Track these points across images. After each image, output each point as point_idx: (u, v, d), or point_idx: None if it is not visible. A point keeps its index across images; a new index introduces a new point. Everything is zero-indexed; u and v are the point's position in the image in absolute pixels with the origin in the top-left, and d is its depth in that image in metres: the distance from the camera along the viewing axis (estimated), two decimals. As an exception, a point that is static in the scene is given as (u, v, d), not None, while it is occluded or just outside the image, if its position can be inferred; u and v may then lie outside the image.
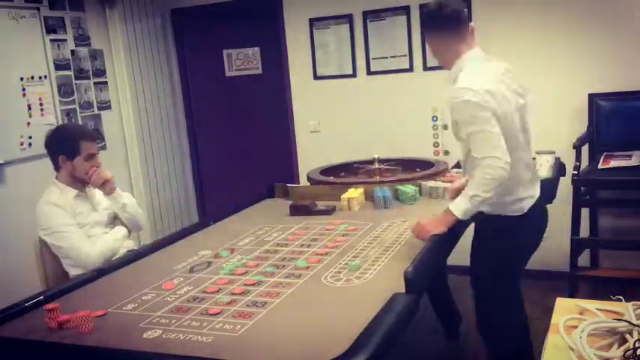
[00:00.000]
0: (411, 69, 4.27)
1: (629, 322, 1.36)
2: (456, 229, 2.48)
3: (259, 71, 4.94)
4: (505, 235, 2.33)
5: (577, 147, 3.57)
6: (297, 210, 2.87)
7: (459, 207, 2.21)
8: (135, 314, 1.82)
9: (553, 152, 3.12)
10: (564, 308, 1.52)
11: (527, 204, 2.33)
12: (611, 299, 1.54)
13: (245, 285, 1.98)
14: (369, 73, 4.40)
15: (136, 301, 1.92)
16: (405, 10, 4.21)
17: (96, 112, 4.38)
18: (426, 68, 4.23)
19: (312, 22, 4.48)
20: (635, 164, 3.42)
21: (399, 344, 1.60)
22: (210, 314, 1.75)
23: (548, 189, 2.99)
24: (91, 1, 4.35)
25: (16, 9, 3.75)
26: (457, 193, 2.38)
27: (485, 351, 2.63)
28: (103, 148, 4.33)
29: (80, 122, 4.16)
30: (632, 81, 3.70)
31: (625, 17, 3.68)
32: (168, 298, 1.91)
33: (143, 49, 4.67)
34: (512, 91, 2.29)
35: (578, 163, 3.53)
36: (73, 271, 2.64)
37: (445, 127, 4.23)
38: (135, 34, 4.59)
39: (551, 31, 3.87)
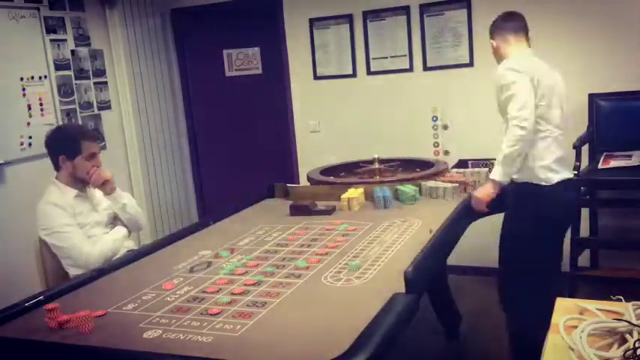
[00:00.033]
0: (411, 69, 4.27)
1: (629, 322, 1.36)
2: (457, 228, 2.49)
3: (259, 71, 4.94)
4: (531, 203, 2.49)
5: (577, 147, 3.57)
6: (297, 210, 2.86)
7: (495, 171, 2.54)
8: (135, 314, 1.82)
9: (553, 152, 3.13)
10: (564, 308, 1.52)
11: (556, 177, 2.54)
12: (611, 299, 1.54)
13: (245, 285, 1.98)
14: (369, 73, 4.41)
15: (136, 301, 1.92)
16: (405, 10, 4.21)
17: (96, 112, 4.38)
18: (426, 68, 4.23)
19: (312, 22, 4.48)
20: (635, 164, 3.43)
21: (399, 344, 1.60)
22: (210, 314, 1.75)
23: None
24: (91, 1, 4.35)
25: (16, 9, 3.75)
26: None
27: (508, 328, 2.72)
28: (103, 148, 4.33)
29: (80, 122, 4.17)
30: (632, 81, 3.70)
31: (625, 17, 3.69)
32: (168, 298, 1.91)
33: (143, 49, 4.67)
34: (549, 72, 2.66)
35: (578, 163, 3.53)
36: (73, 271, 2.64)
37: (445, 127, 4.23)
38: (135, 34, 4.59)
39: (551, 32, 3.86)
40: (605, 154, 3.64)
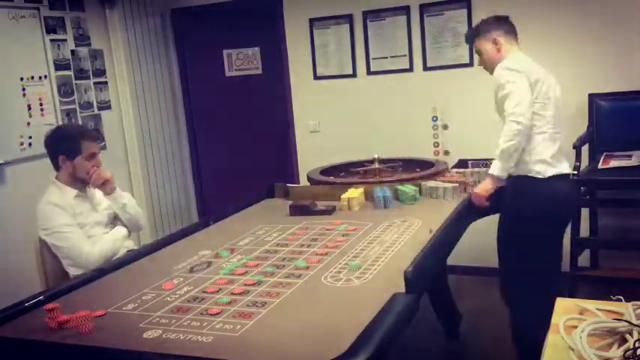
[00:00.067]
0: (411, 69, 4.27)
1: (629, 322, 1.36)
2: (457, 228, 2.49)
3: (259, 71, 4.94)
4: (527, 196, 2.53)
5: (577, 147, 3.57)
6: (297, 210, 2.86)
7: (493, 166, 2.58)
8: (135, 314, 1.82)
9: (553, 152, 3.13)
10: (564, 308, 1.52)
11: (552, 170, 2.58)
12: (611, 299, 1.54)
13: (245, 285, 1.98)
14: (369, 73, 4.41)
15: (136, 301, 1.92)
16: (405, 10, 4.21)
17: (96, 112, 4.38)
18: (426, 68, 4.23)
19: (312, 22, 4.48)
20: (635, 164, 3.43)
21: (399, 344, 1.60)
22: (210, 314, 1.75)
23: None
24: (91, 1, 4.35)
25: (16, 9, 3.76)
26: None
27: (511, 324, 2.78)
28: (103, 148, 4.33)
29: (80, 122, 4.17)
30: (632, 81, 3.70)
31: (625, 17, 3.69)
32: (168, 298, 1.91)
33: (143, 49, 4.67)
34: (545, 75, 2.69)
35: (578, 163, 3.53)
36: (73, 271, 2.64)
37: (445, 127, 4.23)
38: (135, 34, 4.59)
39: (551, 31, 3.87)
40: (605, 154, 3.64)
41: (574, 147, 3.57)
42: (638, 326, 1.34)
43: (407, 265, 1.85)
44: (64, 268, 2.69)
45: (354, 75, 4.44)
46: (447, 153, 4.22)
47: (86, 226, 2.73)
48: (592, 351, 1.28)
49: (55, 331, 1.72)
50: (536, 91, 2.59)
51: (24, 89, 3.79)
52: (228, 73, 5.03)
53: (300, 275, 2.04)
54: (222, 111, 5.11)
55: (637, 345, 1.25)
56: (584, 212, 3.72)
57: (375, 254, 2.19)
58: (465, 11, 4.04)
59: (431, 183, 2.98)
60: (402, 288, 1.76)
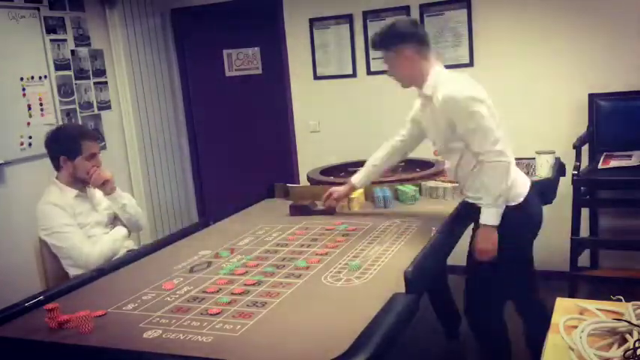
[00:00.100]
0: (411, 69, 4.26)
1: (629, 322, 1.36)
2: (457, 228, 2.49)
3: (259, 71, 4.94)
4: (503, 225, 2.33)
5: (577, 147, 3.57)
6: (297, 210, 2.87)
7: (487, 216, 2.30)
8: (135, 314, 1.82)
9: (553, 152, 3.13)
10: (564, 308, 1.52)
11: (520, 193, 2.39)
12: (611, 299, 1.54)
13: (245, 285, 1.98)
14: (369, 73, 4.40)
15: (136, 301, 1.92)
16: (405, 10, 4.21)
17: (96, 112, 4.38)
18: (426, 68, 4.22)
19: (312, 22, 4.48)
20: (635, 164, 3.43)
21: (399, 344, 1.60)
22: (210, 314, 1.75)
23: (549, 189, 3.00)
24: (91, 1, 4.35)
25: (16, 9, 3.75)
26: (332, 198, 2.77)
27: (525, 332, 2.75)
28: (103, 148, 4.33)
29: (80, 122, 4.17)
30: (632, 81, 3.70)
31: (625, 17, 3.68)
32: (168, 298, 1.91)
33: (143, 49, 4.67)
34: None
35: (578, 163, 3.53)
36: (73, 271, 2.64)
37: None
38: (135, 34, 4.59)
39: (551, 31, 3.87)
40: (605, 154, 3.64)
41: (574, 147, 3.57)
42: (638, 326, 1.34)
43: (407, 265, 1.86)
44: (64, 268, 2.69)
45: (354, 75, 4.44)
46: (447, 153, 4.21)
47: (86, 226, 2.73)
48: (592, 351, 1.28)
49: (55, 331, 1.72)
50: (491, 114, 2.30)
51: (24, 89, 3.79)
52: (228, 73, 5.03)
53: (300, 275, 2.04)
54: (222, 111, 5.11)
55: (637, 345, 1.25)
56: (584, 212, 3.72)
57: (375, 254, 2.20)
58: (465, 11, 4.04)
59: (431, 183, 2.98)
60: (402, 288, 1.76)
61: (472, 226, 2.49)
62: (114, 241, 2.76)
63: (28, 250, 2.78)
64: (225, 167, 5.17)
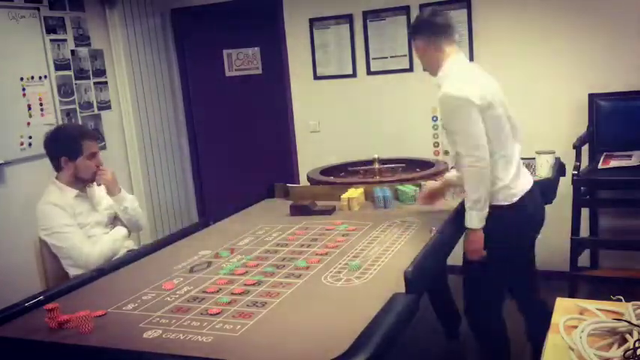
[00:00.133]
0: (411, 69, 4.27)
1: (629, 322, 1.36)
2: (457, 228, 2.49)
3: (259, 71, 4.94)
4: (496, 225, 2.37)
5: (577, 147, 3.57)
6: (297, 210, 2.87)
7: (470, 219, 2.36)
8: (135, 314, 1.82)
9: (553, 152, 3.13)
10: (564, 308, 1.52)
11: (516, 194, 2.40)
12: (611, 299, 1.54)
13: (245, 285, 1.98)
14: (369, 73, 4.40)
15: (136, 301, 1.92)
16: (405, 10, 4.21)
17: (96, 112, 4.38)
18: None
19: (312, 22, 4.48)
20: (635, 164, 3.43)
21: (399, 344, 1.60)
22: (210, 314, 1.75)
23: (549, 189, 2.99)
24: (91, 1, 4.35)
25: (16, 9, 3.75)
26: (430, 197, 2.72)
27: (527, 331, 2.76)
28: (103, 148, 4.33)
29: (80, 122, 4.17)
30: (632, 81, 3.70)
31: (625, 17, 3.68)
32: (168, 298, 1.91)
33: (143, 49, 4.67)
34: (491, 84, 2.42)
35: (578, 163, 3.53)
36: (73, 271, 2.64)
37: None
38: (135, 34, 4.59)
39: (551, 31, 3.87)
40: (605, 154, 3.64)
41: (574, 147, 3.57)
42: (638, 326, 1.34)
43: (407, 265, 1.86)
44: (64, 268, 2.69)
45: (354, 75, 4.44)
46: (447, 153, 4.21)
47: (86, 226, 2.73)
48: (592, 351, 1.28)
49: (55, 331, 1.72)
50: (490, 112, 2.32)
51: (24, 89, 3.79)
52: (228, 73, 5.03)
53: (300, 275, 2.04)
54: (222, 111, 5.11)
55: (637, 345, 1.25)
56: (584, 212, 3.72)
57: (375, 254, 2.20)
58: (465, 11, 4.04)
59: (431, 183, 2.97)
60: (402, 288, 1.76)
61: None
62: (114, 241, 2.76)
63: (28, 250, 2.78)
64: (225, 167, 5.17)
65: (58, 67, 4.04)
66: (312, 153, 4.60)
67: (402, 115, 4.34)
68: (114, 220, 2.88)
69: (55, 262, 2.70)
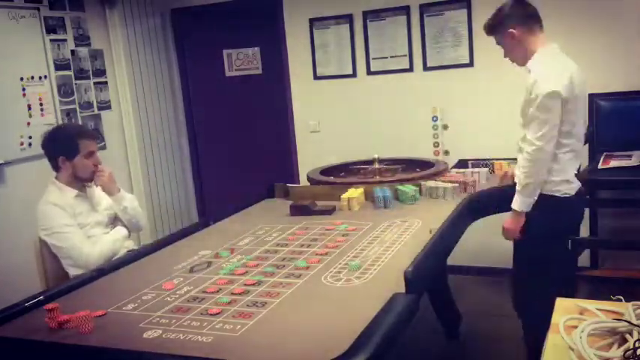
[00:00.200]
0: (411, 69, 4.27)
1: (629, 322, 1.36)
2: (457, 228, 2.49)
3: (259, 71, 4.94)
4: (549, 215, 2.47)
5: (577, 147, 3.57)
6: (297, 210, 2.86)
7: (516, 201, 2.49)
8: (135, 314, 1.82)
9: (553, 152, 3.12)
10: (564, 308, 1.52)
11: (574, 188, 2.51)
12: (611, 299, 1.54)
13: (245, 285, 1.98)
14: (369, 73, 4.41)
15: (136, 301, 1.92)
16: (405, 10, 4.21)
17: (96, 112, 4.38)
18: (426, 68, 4.23)
19: (312, 22, 4.48)
20: (635, 164, 3.42)
21: (399, 344, 1.60)
22: (210, 314, 1.75)
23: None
24: (91, 1, 4.35)
25: (16, 9, 3.76)
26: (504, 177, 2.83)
27: (523, 328, 2.79)
28: (103, 148, 4.34)
29: (80, 122, 4.17)
30: (632, 81, 3.70)
31: (625, 17, 3.69)
32: (168, 298, 1.91)
33: (143, 49, 4.67)
34: (579, 76, 2.50)
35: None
36: (73, 271, 2.64)
37: (445, 127, 4.23)
38: (135, 34, 4.59)
39: (550, 32, 3.85)
40: (605, 154, 3.64)
41: (574, 147, 3.57)
42: (638, 326, 1.34)
43: (407, 265, 1.85)
44: (64, 268, 2.69)
45: (354, 75, 4.44)
46: (447, 153, 4.22)
47: (86, 226, 2.73)
48: (592, 351, 1.28)
49: (55, 331, 1.72)
50: (570, 106, 2.40)
51: (24, 89, 3.79)
52: (228, 73, 5.04)
53: (300, 275, 2.04)
54: (222, 111, 5.11)
55: (637, 345, 1.25)
56: (584, 212, 3.72)
57: (375, 254, 2.19)
58: (465, 11, 4.04)
59: (431, 183, 2.98)
60: (402, 288, 1.76)
61: (474, 226, 2.50)
62: (114, 242, 2.76)
63: (28, 250, 2.78)
64: (225, 167, 5.17)
65: (58, 67, 4.05)
66: (312, 153, 4.60)
67: (402, 115, 4.34)
68: (114, 221, 2.88)
69: (55, 262, 2.70)
